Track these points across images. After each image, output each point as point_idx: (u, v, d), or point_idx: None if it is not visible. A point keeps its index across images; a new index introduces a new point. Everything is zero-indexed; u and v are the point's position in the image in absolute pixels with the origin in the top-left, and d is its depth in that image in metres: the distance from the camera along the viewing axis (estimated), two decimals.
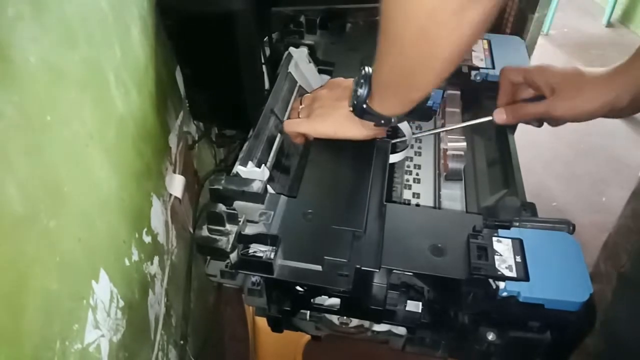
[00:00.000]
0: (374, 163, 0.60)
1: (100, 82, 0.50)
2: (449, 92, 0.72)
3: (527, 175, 0.61)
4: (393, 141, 0.65)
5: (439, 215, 0.60)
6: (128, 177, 0.57)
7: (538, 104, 0.59)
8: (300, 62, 0.73)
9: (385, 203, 0.55)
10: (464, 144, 0.65)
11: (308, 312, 0.59)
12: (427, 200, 0.65)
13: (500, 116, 0.62)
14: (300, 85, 0.72)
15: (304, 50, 0.74)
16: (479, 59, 0.73)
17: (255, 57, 0.70)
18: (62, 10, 0.42)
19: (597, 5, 2.70)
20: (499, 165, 0.65)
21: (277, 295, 0.54)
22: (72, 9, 0.43)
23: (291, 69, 0.71)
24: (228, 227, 0.50)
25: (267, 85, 0.74)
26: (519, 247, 0.49)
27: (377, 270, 0.49)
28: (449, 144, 0.65)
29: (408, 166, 0.70)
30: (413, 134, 0.69)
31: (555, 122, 0.63)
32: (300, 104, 0.66)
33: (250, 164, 0.56)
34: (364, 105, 0.54)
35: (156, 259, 0.66)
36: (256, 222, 0.52)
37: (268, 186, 0.55)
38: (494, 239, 0.50)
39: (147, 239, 0.63)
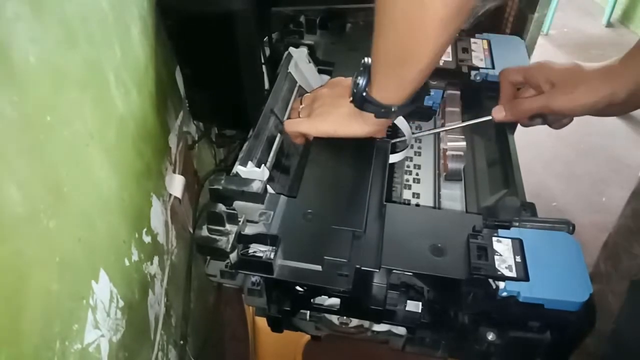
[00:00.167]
0: (373, 163, 0.60)
1: (100, 82, 0.50)
2: (449, 92, 0.72)
3: (527, 175, 0.61)
4: (393, 141, 0.65)
5: (439, 215, 0.61)
6: (128, 177, 0.57)
7: (536, 98, 0.59)
8: (300, 62, 0.73)
9: (385, 203, 0.55)
10: (464, 144, 0.65)
11: (308, 312, 0.59)
12: (427, 200, 0.65)
13: (499, 114, 0.62)
14: (300, 85, 0.72)
15: (303, 50, 0.74)
16: (478, 59, 0.73)
17: (255, 57, 0.70)
18: (62, 10, 0.42)
19: (597, 5, 2.70)
20: (499, 165, 0.65)
21: (277, 295, 0.54)
22: (72, 8, 0.43)
23: (291, 69, 0.71)
24: (228, 227, 0.50)
25: (267, 85, 0.74)
26: (518, 247, 0.49)
27: (377, 270, 0.49)
28: (449, 144, 0.65)
29: (408, 166, 0.70)
30: (413, 133, 0.69)
31: (556, 120, 0.63)
32: (301, 104, 0.66)
33: (250, 164, 0.56)
34: (364, 94, 0.54)
35: (156, 259, 0.66)
36: (256, 222, 0.52)
37: (268, 186, 0.55)
38: (494, 239, 0.50)
39: (147, 239, 0.63)
